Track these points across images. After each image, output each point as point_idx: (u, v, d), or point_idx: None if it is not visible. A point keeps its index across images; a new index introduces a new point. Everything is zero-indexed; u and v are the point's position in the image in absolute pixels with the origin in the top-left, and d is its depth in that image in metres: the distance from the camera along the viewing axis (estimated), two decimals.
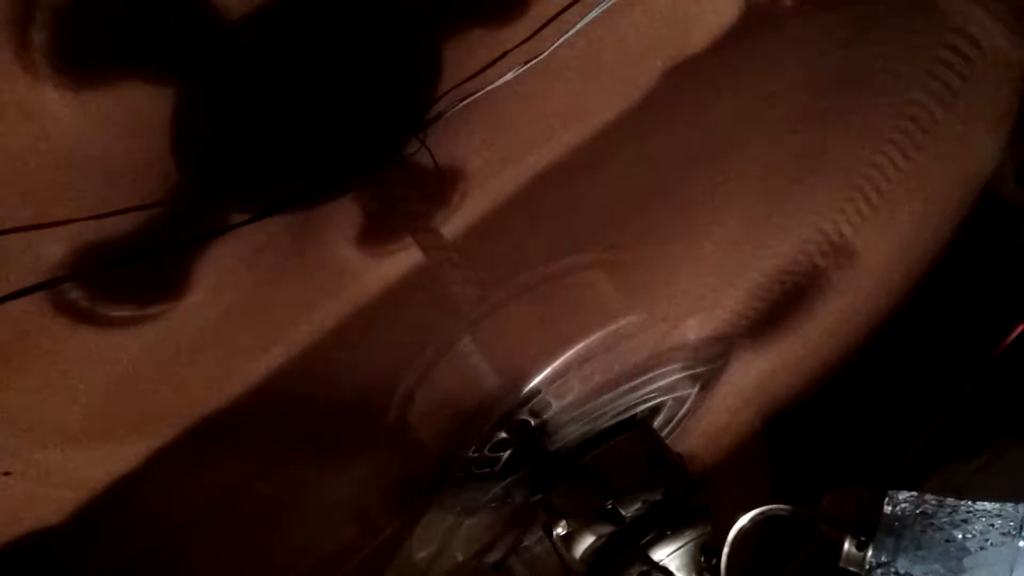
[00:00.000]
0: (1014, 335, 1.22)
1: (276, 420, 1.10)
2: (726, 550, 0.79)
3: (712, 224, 0.79)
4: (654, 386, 0.84)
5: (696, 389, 0.92)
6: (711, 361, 0.87)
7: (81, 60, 0.80)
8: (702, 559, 0.81)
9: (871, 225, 0.88)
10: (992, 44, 0.91)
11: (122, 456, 1.05)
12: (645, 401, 0.86)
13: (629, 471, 0.83)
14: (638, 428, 0.86)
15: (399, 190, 1.03)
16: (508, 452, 0.83)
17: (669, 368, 0.83)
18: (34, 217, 0.86)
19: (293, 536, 1.02)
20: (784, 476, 1.21)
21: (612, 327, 0.80)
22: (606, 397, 0.82)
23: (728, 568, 0.80)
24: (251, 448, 1.10)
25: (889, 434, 1.26)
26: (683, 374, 0.85)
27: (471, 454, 0.81)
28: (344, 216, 1.04)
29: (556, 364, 0.79)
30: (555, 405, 0.81)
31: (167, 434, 1.07)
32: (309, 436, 1.03)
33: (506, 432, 0.80)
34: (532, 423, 0.81)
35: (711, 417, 1.03)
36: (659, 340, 0.81)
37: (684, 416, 0.98)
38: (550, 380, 0.79)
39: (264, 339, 1.09)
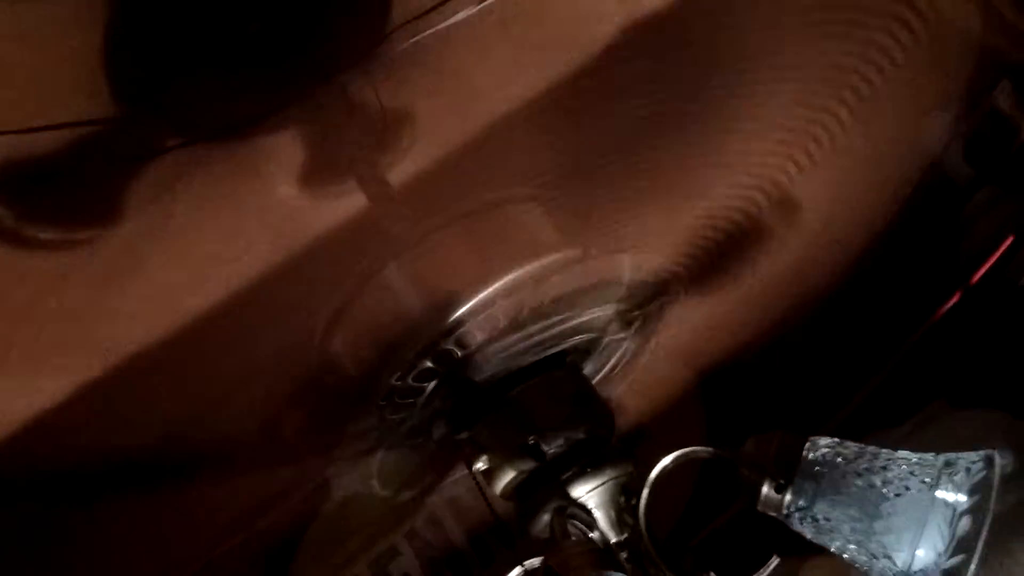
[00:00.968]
0: (949, 305, 1.23)
1: (203, 359, 1.08)
2: (646, 491, 0.79)
3: (647, 164, 0.78)
4: (583, 320, 0.83)
5: (630, 335, 0.91)
6: (643, 304, 0.86)
7: None
8: (622, 499, 0.81)
9: (811, 181, 0.88)
10: (938, 14, 0.92)
11: (41, 388, 1.03)
12: (575, 339, 0.85)
13: (553, 408, 0.82)
14: (566, 367, 0.85)
15: (342, 126, 1.01)
16: (433, 383, 0.82)
17: (599, 306, 0.82)
18: None
19: (217, 481, 1.01)
20: (716, 437, 1.20)
21: (543, 260, 0.79)
22: (533, 329, 0.81)
23: (647, 509, 0.79)
24: (175, 389, 1.08)
25: (824, 398, 1.26)
26: (614, 312, 0.85)
27: (394, 382, 0.79)
28: (282, 150, 1.02)
29: (484, 294, 0.78)
30: (481, 336, 0.80)
31: (91, 368, 1.04)
32: (235, 377, 1.01)
33: (431, 361, 0.79)
34: (457, 353, 0.80)
35: (646, 370, 1.02)
36: (590, 275, 0.80)
37: (618, 365, 0.97)
38: (477, 310, 0.78)
39: (195, 275, 1.07)
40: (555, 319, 0.82)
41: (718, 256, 0.89)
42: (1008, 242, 1.18)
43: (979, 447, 1.07)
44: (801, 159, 0.88)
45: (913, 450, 0.85)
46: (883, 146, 1.04)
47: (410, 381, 0.80)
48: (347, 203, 1.06)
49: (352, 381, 0.80)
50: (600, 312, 0.84)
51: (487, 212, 0.80)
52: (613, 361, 0.95)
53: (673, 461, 0.84)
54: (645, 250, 0.82)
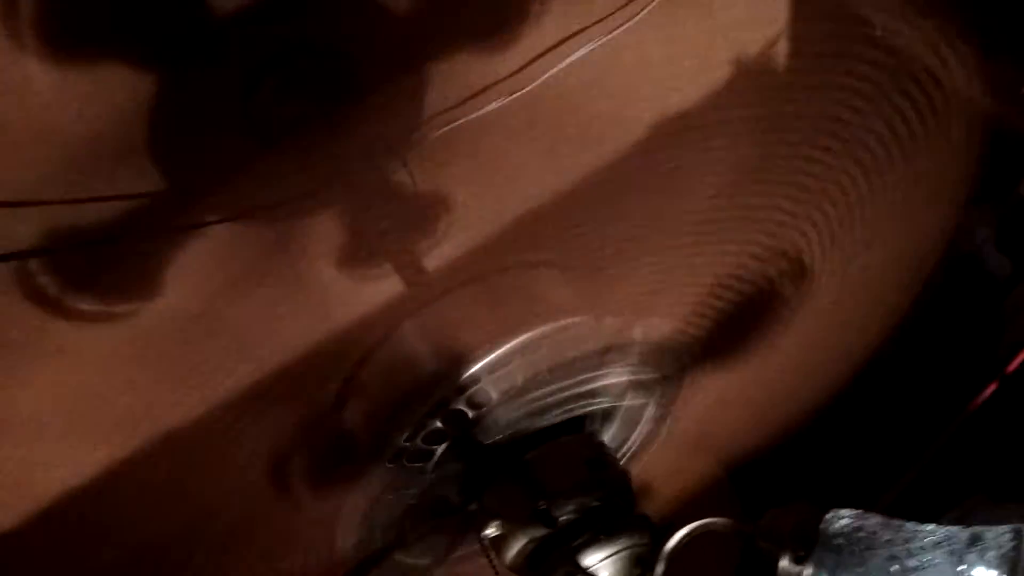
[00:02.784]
0: (986, 394, 1.19)
1: (230, 434, 1.09)
2: (660, 566, 0.76)
3: (661, 224, 0.79)
4: (598, 385, 0.82)
5: (649, 405, 0.90)
6: (658, 368, 0.85)
7: (69, 33, 0.83)
8: (637, 571, 0.78)
9: (825, 250, 0.88)
10: (954, 89, 0.93)
11: (76, 463, 1.04)
12: (592, 405, 0.84)
13: (566, 474, 0.80)
14: (580, 432, 0.84)
15: (378, 209, 1.04)
16: (443, 447, 0.81)
17: (614, 368, 0.82)
18: (3, 195, 0.87)
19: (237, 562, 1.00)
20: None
21: (558, 321, 0.79)
22: (547, 391, 0.80)
23: None
24: (203, 465, 1.08)
25: (856, 491, 1.21)
26: (628, 379, 0.84)
27: (403, 442, 0.79)
28: (318, 230, 1.05)
29: (498, 352, 0.78)
30: (493, 396, 0.79)
31: (127, 444, 1.05)
32: (260, 451, 1.02)
33: (441, 422, 0.78)
34: (469, 414, 0.79)
35: (669, 448, 1.00)
36: (605, 338, 0.80)
37: (640, 442, 0.95)
38: (490, 368, 0.78)
39: (232, 355, 1.09)
40: (569, 382, 0.81)
41: (733, 320, 0.88)
42: None
43: None
44: (814, 225, 0.88)
45: None
46: (897, 221, 1.03)
47: (420, 443, 0.80)
48: (382, 285, 1.08)
49: (362, 441, 0.80)
50: (615, 378, 0.83)
51: (504, 274, 0.82)
52: (635, 436, 0.93)
53: (689, 533, 0.81)
54: (657, 311, 0.82)
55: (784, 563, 0.74)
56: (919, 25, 0.87)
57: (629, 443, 0.93)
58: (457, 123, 1.05)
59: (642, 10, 0.80)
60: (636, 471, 1.01)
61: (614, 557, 0.77)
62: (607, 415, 0.88)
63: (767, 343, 0.93)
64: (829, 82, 0.91)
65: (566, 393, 0.82)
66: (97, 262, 0.96)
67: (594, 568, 0.76)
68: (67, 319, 0.99)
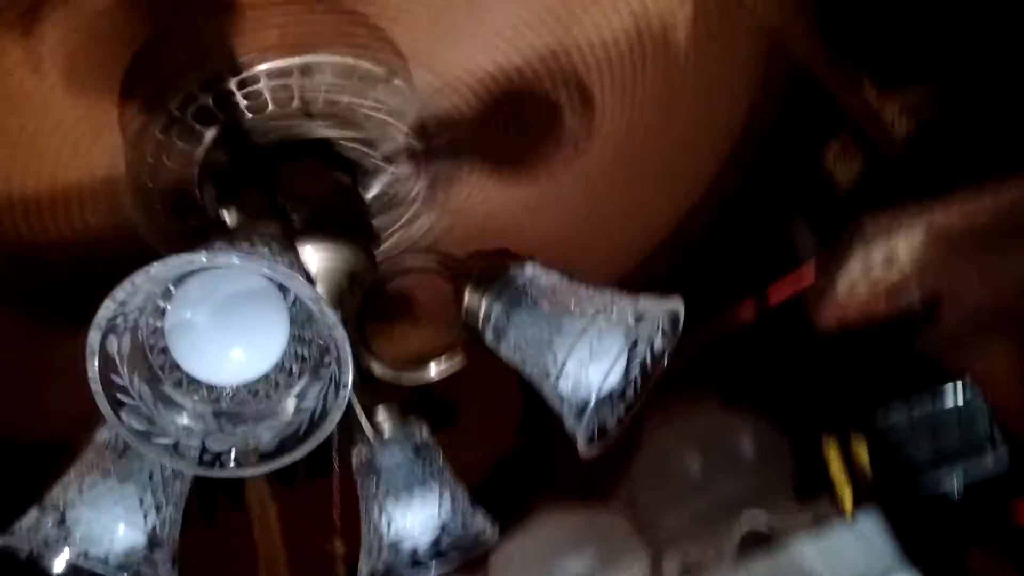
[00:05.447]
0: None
1: None
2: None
3: None
4: (370, 132, 0.90)
5: (418, 182, 0.98)
6: (428, 138, 0.93)
7: None
8: (344, 283, 0.85)
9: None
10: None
11: None
12: (361, 150, 0.92)
13: (314, 185, 0.88)
14: (345, 172, 0.91)
15: None
16: (212, 132, 0.88)
17: (389, 120, 0.89)
18: None
19: None
20: None
21: (347, 53, 0.87)
22: (321, 111, 0.87)
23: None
24: None
25: None
26: (403, 141, 0.92)
27: (174, 110, 0.85)
28: None
29: (281, 62, 0.85)
30: (270, 102, 0.86)
31: None
32: None
33: (212, 100, 0.85)
34: (241, 104, 0.86)
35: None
36: (383, 77, 0.88)
37: (408, 220, 1.02)
38: (270, 74, 0.85)
39: None
40: (343, 110, 0.88)
41: (509, 124, 0.97)
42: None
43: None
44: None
45: None
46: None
47: (190, 118, 0.86)
48: None
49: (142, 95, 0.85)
50: (387, 127, 0.91)
51: None
52: (402, 212, 1.01)
53: (400, 265, 0.89)
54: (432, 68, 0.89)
55: (467, 296, 0.81)
56: None
57: (396, 216, 1.01)
58: None
59: None
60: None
61: (330, 258, 0.84)
62: (375, 173, 0.96)
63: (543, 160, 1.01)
64: None
65: (339, 127, 0.90)
66: None
67: (306, 261, 0.82)
68: None
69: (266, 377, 0.63)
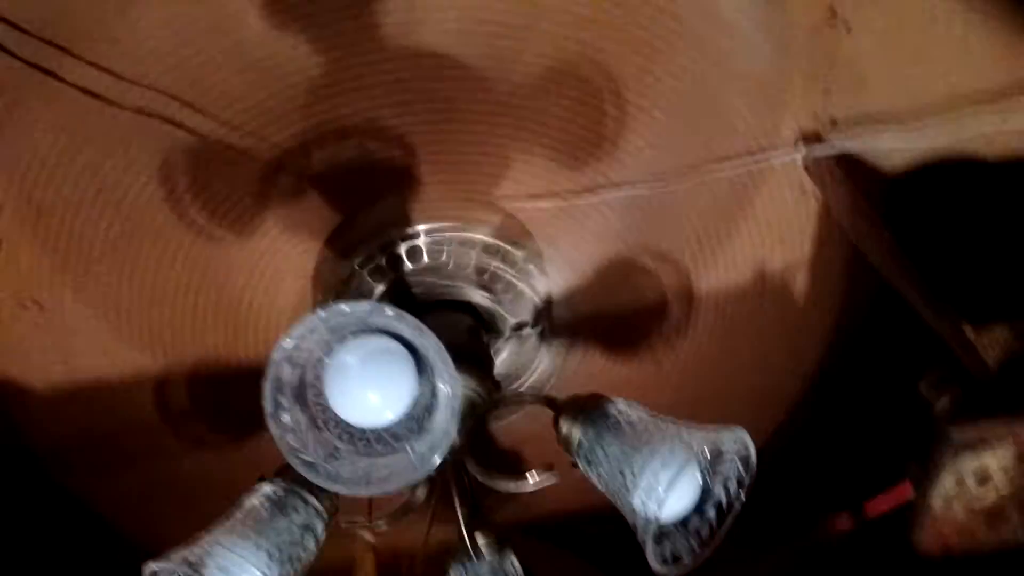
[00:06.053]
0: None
1: None
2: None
3: None
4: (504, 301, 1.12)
5: (540, 349, 1.16)
6: (552, 314, 1.13)
7: None
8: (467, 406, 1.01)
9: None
10: None
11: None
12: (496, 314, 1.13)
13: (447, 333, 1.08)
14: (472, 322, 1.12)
15: None
16: (381, 287, 1.11)
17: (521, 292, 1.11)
18: None
19: None
20: None
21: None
22: (467, 273, 1.10)
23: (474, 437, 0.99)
24: None
25: None
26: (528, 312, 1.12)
27: (356, 265, 1.10)
28: None
29: (439, 226, 1.10)
30: (424, 261, 1.10)
31: None
32: None
33: (385, 260, 1.09)
34: (407, 265, 1.10)
35: None
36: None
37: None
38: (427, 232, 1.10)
39: None
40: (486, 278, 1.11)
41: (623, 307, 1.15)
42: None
43: None
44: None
45: None
46: None
47: (366, 275, 1.10)
48: None
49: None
50: (520, 299, 1.12)
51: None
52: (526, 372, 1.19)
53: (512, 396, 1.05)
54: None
55: (563, 425, 0.95)
56: None
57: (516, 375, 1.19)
58: None
59: None
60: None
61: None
62: (504, 337, 1.15)
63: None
64: None
65: (481, 290, 1.11)
66: None
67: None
68: None
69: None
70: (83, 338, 1.25)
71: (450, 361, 0.75)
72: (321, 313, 0.72)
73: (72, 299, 1.20)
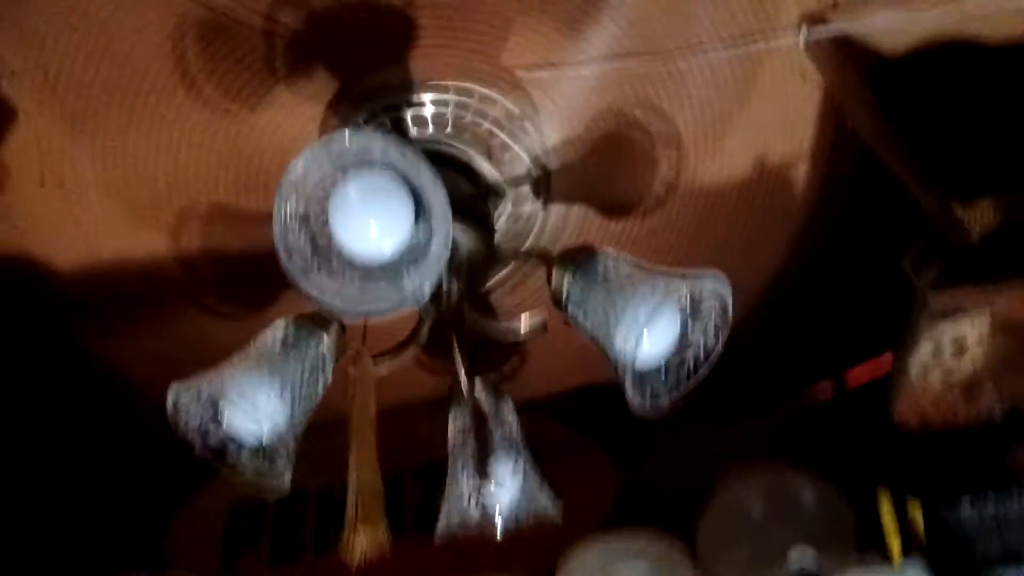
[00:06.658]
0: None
1: None
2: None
3: None
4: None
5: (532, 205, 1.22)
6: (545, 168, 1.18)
7: None
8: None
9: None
10: None
11: None
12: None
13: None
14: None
15: None
16: None
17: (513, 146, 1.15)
18: None
19: None
20: None
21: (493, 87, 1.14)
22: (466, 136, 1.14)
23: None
24: None
25: None
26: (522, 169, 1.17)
27: (361, 122, 1.14)
28: None
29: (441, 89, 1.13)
30: (428, 117, 1.14)
31: None
32: None
33: (389, 122, 1.14)
34: (411, 131, 1.14)
35: None
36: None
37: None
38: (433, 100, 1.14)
39: None
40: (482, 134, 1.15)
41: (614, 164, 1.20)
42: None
43: None
44: None
45: None
46: None
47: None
48: None
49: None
50: (515, 156, 1.17)
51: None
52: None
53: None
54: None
55: (554, 275, 1.01)
56: None
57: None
58: None
59: None
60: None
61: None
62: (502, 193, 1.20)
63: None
64: None
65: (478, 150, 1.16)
66: None
67: None
68: None
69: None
70: (102, 210, 1.31)
71: (444, 191, 0.80)
72: (329, 136, 0.77)
73: (92, 173, 1.26)
